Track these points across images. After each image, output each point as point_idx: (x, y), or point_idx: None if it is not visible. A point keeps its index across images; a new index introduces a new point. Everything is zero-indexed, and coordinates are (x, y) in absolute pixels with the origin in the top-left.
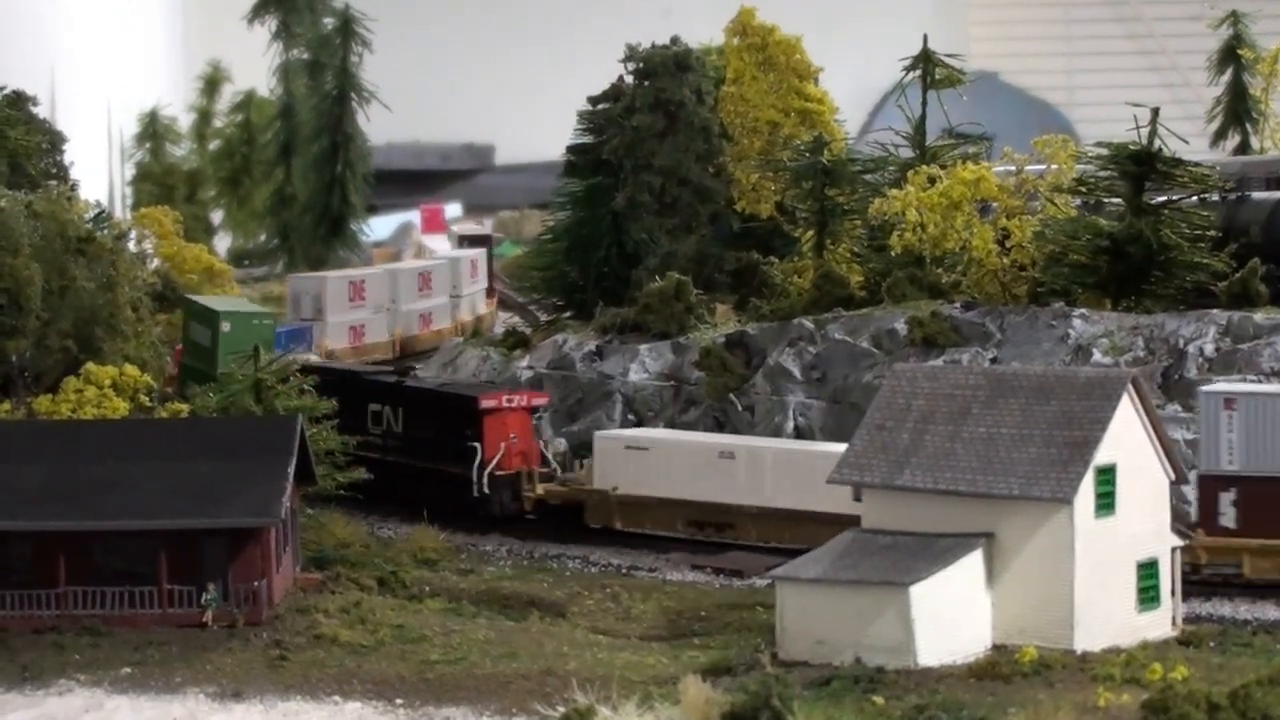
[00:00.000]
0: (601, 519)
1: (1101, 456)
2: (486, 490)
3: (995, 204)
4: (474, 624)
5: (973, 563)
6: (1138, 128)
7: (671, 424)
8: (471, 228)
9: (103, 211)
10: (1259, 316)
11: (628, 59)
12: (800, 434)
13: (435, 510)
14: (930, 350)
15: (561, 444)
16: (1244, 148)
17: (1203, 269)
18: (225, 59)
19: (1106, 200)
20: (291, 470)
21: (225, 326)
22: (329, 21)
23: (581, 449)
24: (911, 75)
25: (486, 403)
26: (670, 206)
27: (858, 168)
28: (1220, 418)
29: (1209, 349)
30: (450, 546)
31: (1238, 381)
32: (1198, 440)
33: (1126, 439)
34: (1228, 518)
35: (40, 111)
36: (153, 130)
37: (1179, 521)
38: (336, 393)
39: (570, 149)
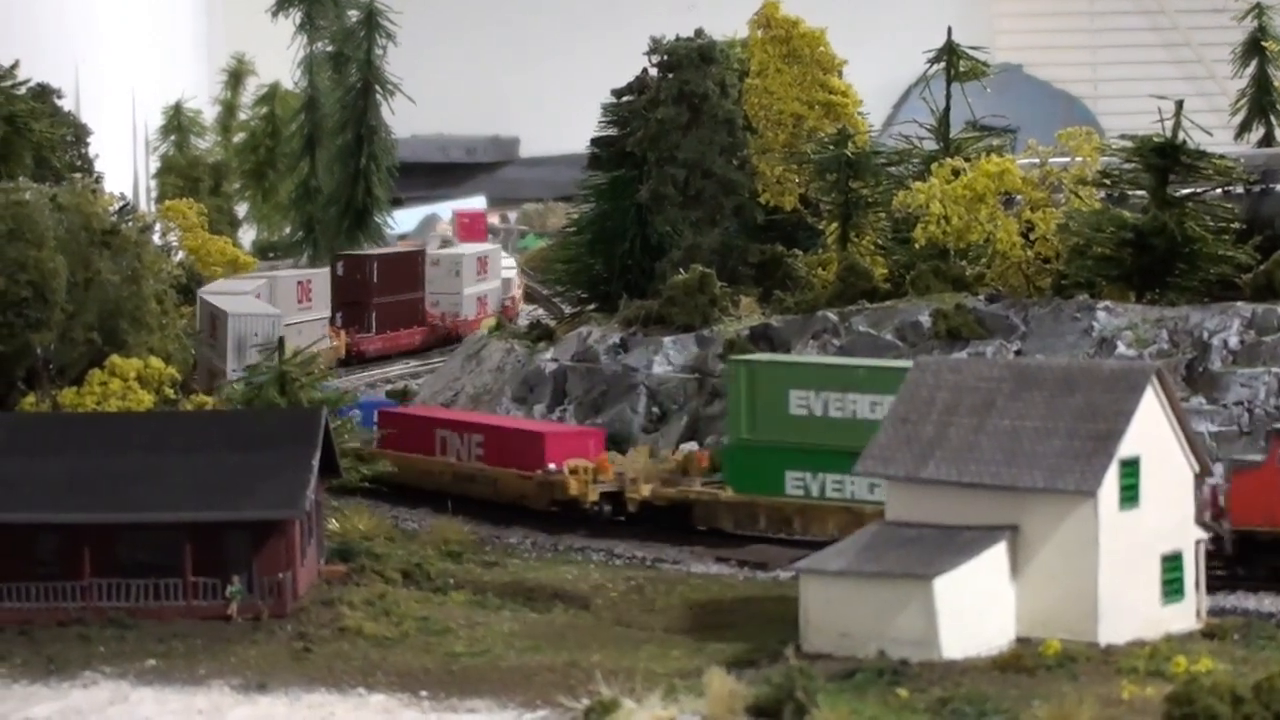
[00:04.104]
0: None
1: (1126, 449)
2: None
3: (1019, 197)
4: (498, 616)
5: (997, 555)
6: (1162, 120)
7: (695, 417)
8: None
9: (127, 204)
10: None
11: (652, 51)
12: None
13: None
14: (954, 343)
15: None
16: (1268, 140)
17: (1227, 261)
18: (249, 52)
19: (1131, 193)
20: (316, 462)
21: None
22: (353, 14)
23: None
24: (936, 68)
25: None
26: (694, 199)
27: (882, 160)
28: None
29: (1233, 341)
30: (475, 539)
31: None
32: (1223, 432)
33: (1151, 432)
34: None
35: (65, 104)
36: (177, 123)
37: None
38: None
39: (594, 141)
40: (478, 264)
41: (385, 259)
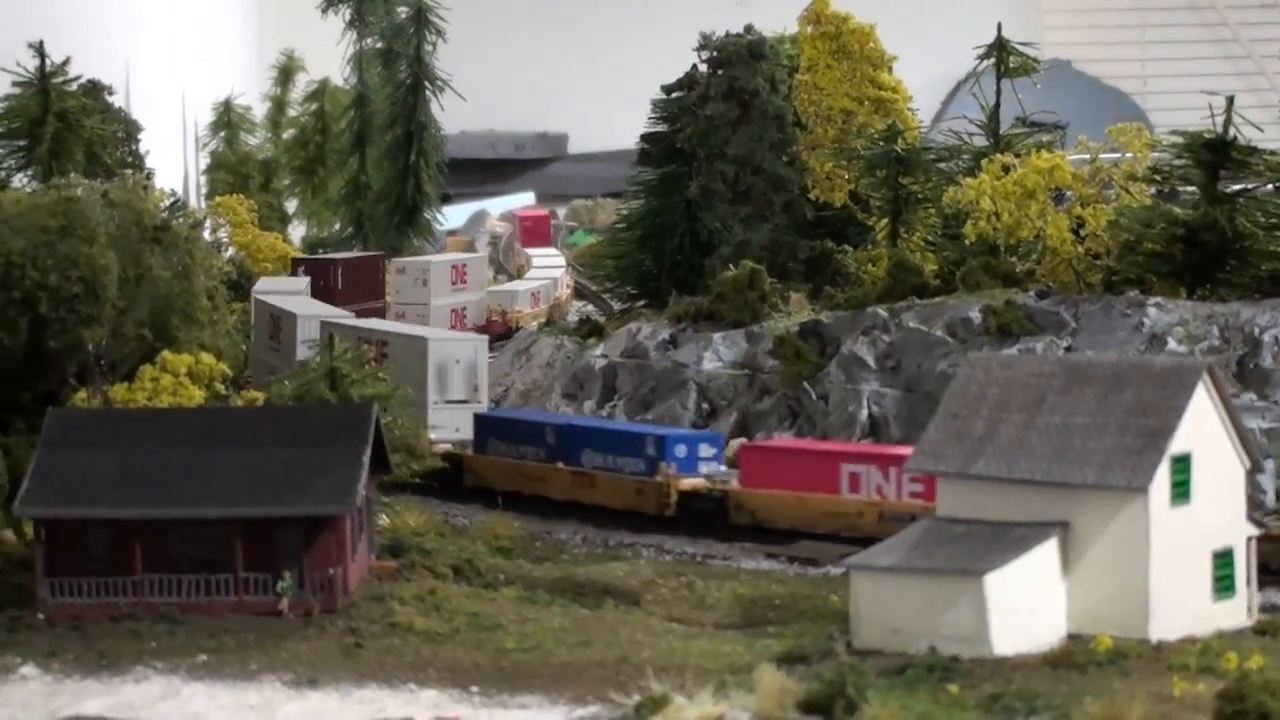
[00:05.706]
0: None
1: (1177, 445)
2: None
3: (1070, 192)
4: (549, 612)
5: (1047, 551)
6: (1212, 116)
7: (745, 413)
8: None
9: (178, 200)
10: None
11: (701, 47)
12: (874, 423)
13: None
14: (1005, 339)
15: None
16: None
17: (1278, 258)
18: (299, 48)
19: (1181, 189)
20: (367, 458)
21: None
22: (403, 11)
23: None
24: (985, 63)
25: None
26: (744, 195)
27: (931, 156)
28: None
29: None
30: (525, 534)
31: None
32: (1274, 429)
33: (1202, 428)
34: None
35: (116, 100)
36: (227, 119)
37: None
38: None
39: (644, 137)
40: (452, 272)
41: (350, 263)
